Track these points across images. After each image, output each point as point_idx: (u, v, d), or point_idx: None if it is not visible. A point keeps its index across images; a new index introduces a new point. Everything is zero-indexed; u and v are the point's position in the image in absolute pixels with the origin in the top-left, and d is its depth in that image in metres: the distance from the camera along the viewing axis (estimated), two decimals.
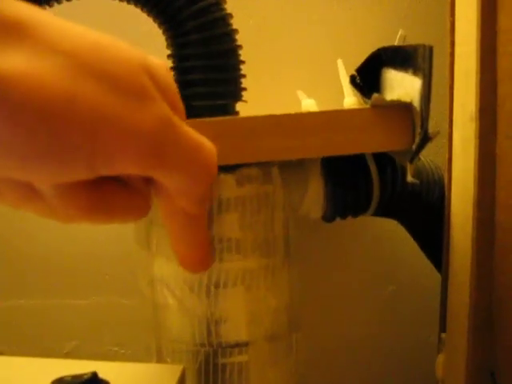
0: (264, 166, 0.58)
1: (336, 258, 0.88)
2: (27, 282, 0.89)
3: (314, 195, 0.61)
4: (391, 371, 0.90)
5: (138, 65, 0.23)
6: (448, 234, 0.59)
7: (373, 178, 0.60)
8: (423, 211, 0.65)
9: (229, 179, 0.57)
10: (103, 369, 0.51)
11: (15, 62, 0.20)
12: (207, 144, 0.26)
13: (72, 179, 0.23)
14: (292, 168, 0.61)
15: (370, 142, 0.52)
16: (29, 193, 0.25)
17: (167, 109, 0.24)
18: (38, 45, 0.21)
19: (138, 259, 0.64)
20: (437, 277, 0.63)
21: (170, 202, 0.27)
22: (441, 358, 0.64)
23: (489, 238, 0.55)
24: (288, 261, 0.62)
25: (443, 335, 0.63)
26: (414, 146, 0.51)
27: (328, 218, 0.63)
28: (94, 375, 0.51)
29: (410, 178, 0.51)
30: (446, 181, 0.59)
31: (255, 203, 0.57)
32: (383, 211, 0.64)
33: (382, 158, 0.61)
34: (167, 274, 0.59)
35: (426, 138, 0.50)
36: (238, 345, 0.59)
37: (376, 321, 0.89)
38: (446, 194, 0.59)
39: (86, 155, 0.21)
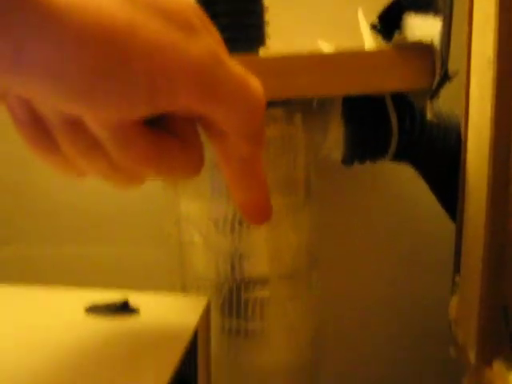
0: (287, 108, 0.60)
1: (355, 210, 0.89)
2: (54, 229, 0.92)
3: (334, 138, 0.62)
4: (407, 318, 0.92)
5: (186, 4, 0.25)
6: (464, 178, 0.60)
7: (391, 121, 0.61)
8: (440, 158, 0.66)
9: None
10: (132, 297, 0.54)
11: None
12: (254, 79, 0.28)
13: (133, 114, 0.24)
14: (314, 113, 0.63)
15: (391, 81, 0.54)
16: (88, 144, 0.26)
17: (215, 44, 0.26)
18: None
19: (164, 200, 0.66)
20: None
21: (225, 146, 0.29)
22: (454, 300, 0.66)
23: (504, 179, 0.56)
24: (309, 202, 0.64)
25: (457, 278, 0.65)
26: (433, 85, 0.52)
27: (347, 161, 0.64)
28: (125, 302, 0.54)
29: (429, 115, 0.53)
30: (462, 126, 0.60)
31: (279, 143, 0.59)
32: (401, 156, 0.65)
33: (401, 103, 0.62)
34: (193, 212, 0.62)
35: (445, 77, 0.51)
36: (259, 280, 0.61)
37: (395, 268, 0.91)
38: (463, 138, 0.60)
39: (145, 84, 0.23)
